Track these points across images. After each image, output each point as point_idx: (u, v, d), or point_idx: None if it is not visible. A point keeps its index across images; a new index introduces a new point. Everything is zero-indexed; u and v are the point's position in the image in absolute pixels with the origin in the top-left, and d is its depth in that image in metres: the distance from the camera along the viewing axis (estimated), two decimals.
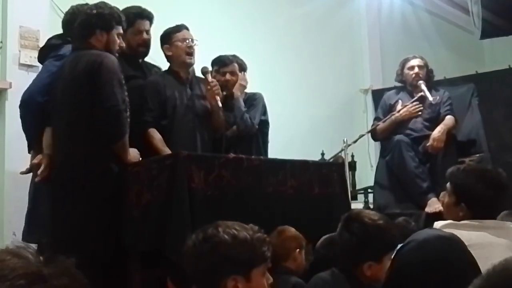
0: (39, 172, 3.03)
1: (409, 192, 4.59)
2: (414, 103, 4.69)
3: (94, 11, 3.08)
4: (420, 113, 4.69)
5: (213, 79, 3.70)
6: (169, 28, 3.71)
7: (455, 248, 1.69)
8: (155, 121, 3.50)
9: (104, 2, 3.17)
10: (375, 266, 2.09)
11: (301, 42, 6.05)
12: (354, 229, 2.14)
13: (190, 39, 3.66)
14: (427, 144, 4.57)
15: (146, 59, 3.80)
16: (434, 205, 4.31)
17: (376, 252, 2.10)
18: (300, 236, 2.85)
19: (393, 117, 4.71)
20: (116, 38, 3.12)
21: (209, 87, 3.62)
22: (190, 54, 3.65)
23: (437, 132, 4.57)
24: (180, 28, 3.69)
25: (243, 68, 4.04)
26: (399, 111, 4.70)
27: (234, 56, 4.03)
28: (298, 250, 2.80)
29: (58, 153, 3.03)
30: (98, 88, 2.91)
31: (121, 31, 3.17)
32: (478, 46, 7.28)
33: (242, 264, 1.72)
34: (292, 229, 2.87)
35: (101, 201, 2.89)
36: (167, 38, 3.69)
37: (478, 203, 2.27)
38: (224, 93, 3.78)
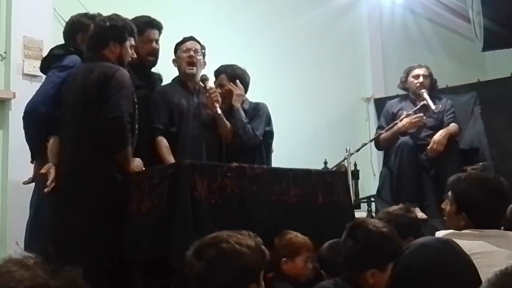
0: (48, 183, 3.00)
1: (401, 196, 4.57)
2: (418, 114, 4.69)
3: (108, 23, 3.13)
4: (422, 123, 4.70)
5: (212, 86, 3.71)
6: (179, 41, 3.78)
7: (453, 250, 1.70)
8: (165, 129, 3.54)
9: (116, 14, 3.23)
10: (379, 274, 2.08)
11: (303, 51, 6.07)
12: (358, 236, 2.14)
13: (192, 50, 3.69)
14: (428, 147, 4.58)
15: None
16: (417, 213, 4.35)
17: (379, 259, 2.09)
18: (304, 242, 2.81)
19: (395, 127, 4.71)
20: (129, 50, 3.19)
21: (207, 94, 3.64)
22: (191, 64, 3.67)
23: (438, 135, 4.58)
24: (185, 39, 3.76)
25: (234, 77, 3.92)
26: (401, 120, 4.70)
27: (223, 66, 3.97)
28: (299, 256, 2.75)
29: (66, 162, 3.04)
30: (105, 99, 2.94)
31: (133, 42, 3.23)
32: (480, 54, 7.28)
33: (257, 271, 1.74)
34: (295, 234, 2.82)
35: (105, 210, 2.89)
36: (175, 49, 3.78)
37: (479, 212, 2.26)
38: (223, 105, 3.75)
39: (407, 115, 4.70)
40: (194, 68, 3.69)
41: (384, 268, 2.07)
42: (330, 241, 2.75)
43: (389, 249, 2.10)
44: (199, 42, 3.78)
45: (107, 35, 3.12)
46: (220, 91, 3.80)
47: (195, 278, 1.72)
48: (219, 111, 3.60)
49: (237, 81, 3.91)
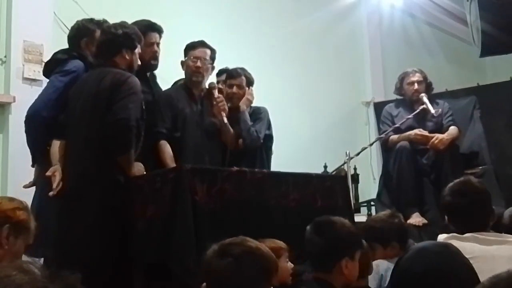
0: (54, 185, 2.98)
1: (400, 201, 4.57)
2: (435, 134, 4.64)
3: (120, 31, 3.15)
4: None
5: (219, 95, 3.72)
6: (189, 43, 3.78)
7: (452, 254, 1.72)
8: (168, 133, 3.55)
9: (125, 22, 3.26)
10: (350, 262, 2.15)
11: (303, 55, 6.08)
12: (325, 232, 2.21)
13: (200, 59, 3.69)
14: (430, 141, 4.56)
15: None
16: (416, 218, 4.38)
17: (349, 247, 2.18)
18: (280, 243, 2.73)
19: (407, 134, 4.68)
20: (137, 57, 3.22)
21: (215, 102, 3.65)
22: (198, 73, 3.69)
23: (444, 135, 4.58)
24: (195, 45, 3.75)
25: (250, 82, 3.99)
26: (418, 134, 4.65)
27: (242, 69, 4.00)
28: (281, 258, 2.66)
29: (72, 165, 3.03)
30: (114, 103, 2.95)
31: (140, 49, 3.26)
32: (479, 58, 7.28)
33: (272, 273, 1.78)
34: (271, 240, 2.69)
35: (108, 213, 2.89)
36: (184, 53, 3.78)
37: (454, 214, 2.32)
38: (229, 105, 3.78)
39: (425, 133, 4.64)
40: (200, 77, 3.70)
41: (353, 256, 2.17)
42: None
43: (354, 237, 2.23)
44: (209, 47, 3.76)
45: (120, 42, 3.14)
46: (236, 91, 3.88)
47: (219, 277, 1.72)
48: (225, 120, 3.63)
49: (251, 87, 3.97)
